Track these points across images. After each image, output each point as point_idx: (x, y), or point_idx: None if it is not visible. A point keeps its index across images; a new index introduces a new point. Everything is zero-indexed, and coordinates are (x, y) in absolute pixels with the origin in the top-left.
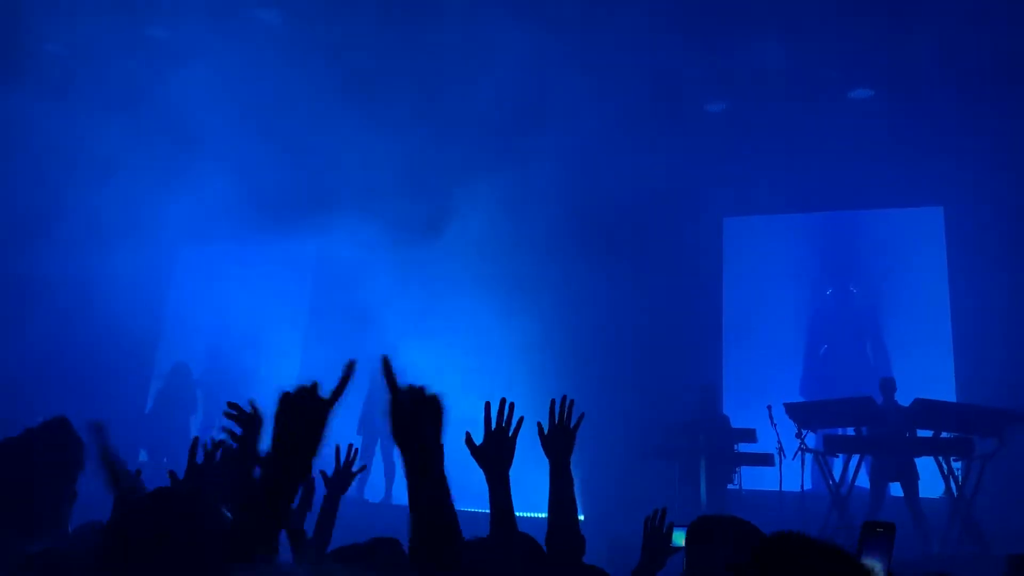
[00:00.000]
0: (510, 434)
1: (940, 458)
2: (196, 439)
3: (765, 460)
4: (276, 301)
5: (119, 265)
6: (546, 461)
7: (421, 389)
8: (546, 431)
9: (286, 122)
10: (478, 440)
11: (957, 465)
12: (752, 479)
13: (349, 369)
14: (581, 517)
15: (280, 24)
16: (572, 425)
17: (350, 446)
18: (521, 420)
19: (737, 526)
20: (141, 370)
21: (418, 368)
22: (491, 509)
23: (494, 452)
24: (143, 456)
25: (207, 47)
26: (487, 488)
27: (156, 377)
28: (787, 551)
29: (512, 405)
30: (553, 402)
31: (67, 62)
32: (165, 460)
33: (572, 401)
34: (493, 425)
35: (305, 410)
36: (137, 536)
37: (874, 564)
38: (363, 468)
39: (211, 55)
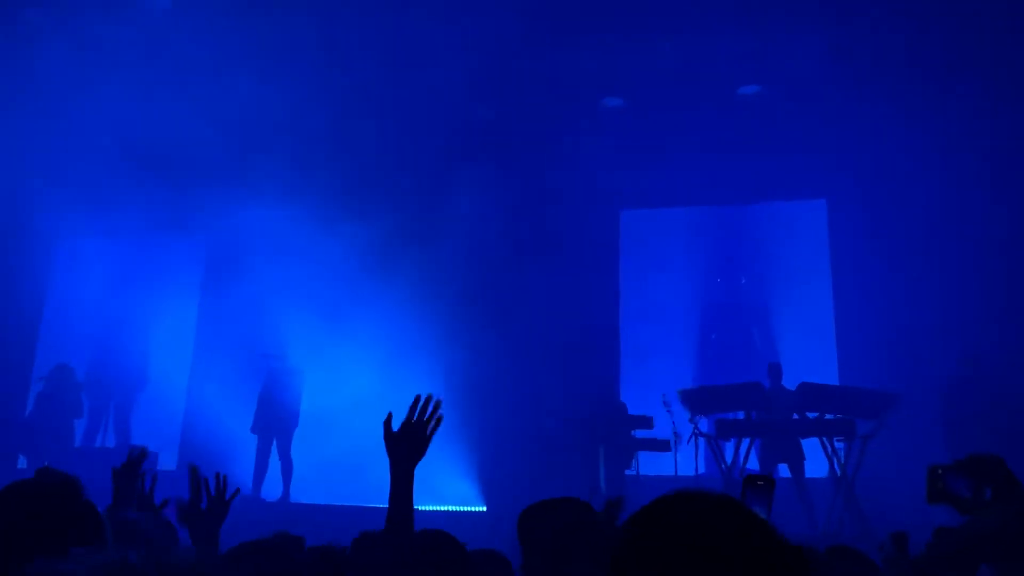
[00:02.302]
0: (427, 432)
1: (824, 439)
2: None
3: (661, 446)
4: (164, 296)
5: None
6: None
7: (423, 425)
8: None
9: (166, 99)
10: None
11: (840, 446)
12: (649, 464)
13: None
14: (483, 508)
15: (163, 8)
16: (428, 431)
17: (217, 475)
18: (440, 420)
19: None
20: (18, 371)
21: (313, 360)
22: (390, 505)
23: (406, 443)
24: (22, 463)
25: (83, 32)
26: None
27: (36, 379)
28: (672, 512)
29: (439, 403)
30: (417, 398)
31: None
32: (46, 466)
33: (439, 401)
34: (415, 417)
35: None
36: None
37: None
38: (236, 493)
39: (86, 40)
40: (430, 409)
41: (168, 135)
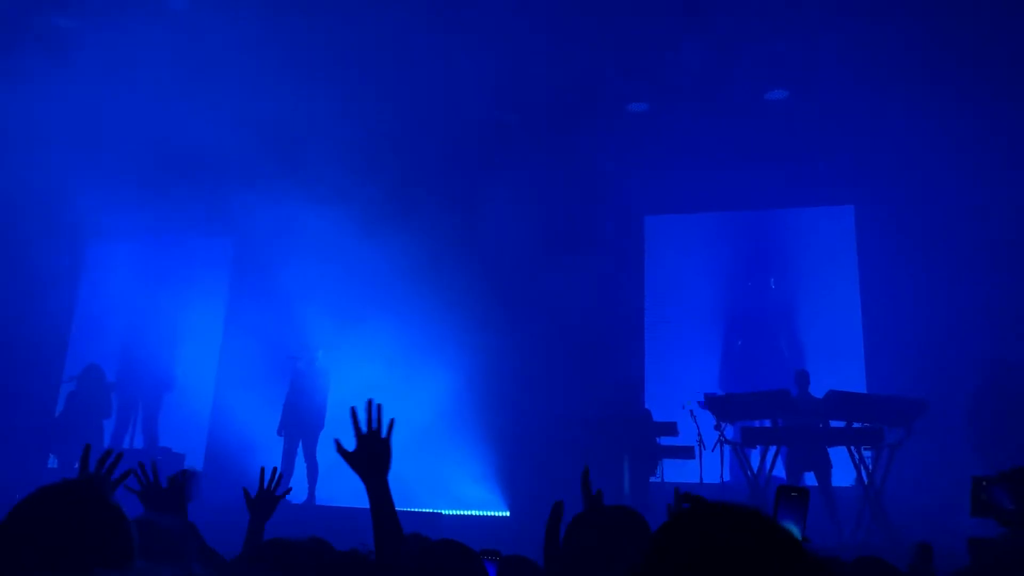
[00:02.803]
0: (383, 435)
1: (852, 447)
2: (87, 447)
3: (686, 453)
4: (191, 298)
5: (25, 263)
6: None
7: (377, 434)
8: (352, 446)
9: (195, 102)
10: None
11: (868, 454)
12: (674, 472)
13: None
14: (506, 513)
15: (187, 10)
16: (384, 434)
17: (274, 470)
18: (392, 422)
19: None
20: (50, 372)
21: (343, 363)
22: (374, 520)
23: (368, 457)
24: (53, 463)
25: (112, 36)
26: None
27: (66, 380)
28: (695, 528)
29: (380, 407)
30: (353, 410)
31: None
32: (76, 466)
33: (379, 405)
34: (364, 429)
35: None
36: (25, 520)
37: (790, 528)
38: (288, 491)
39: (114, 44)
40: (374, 415)
41: (196, 138)
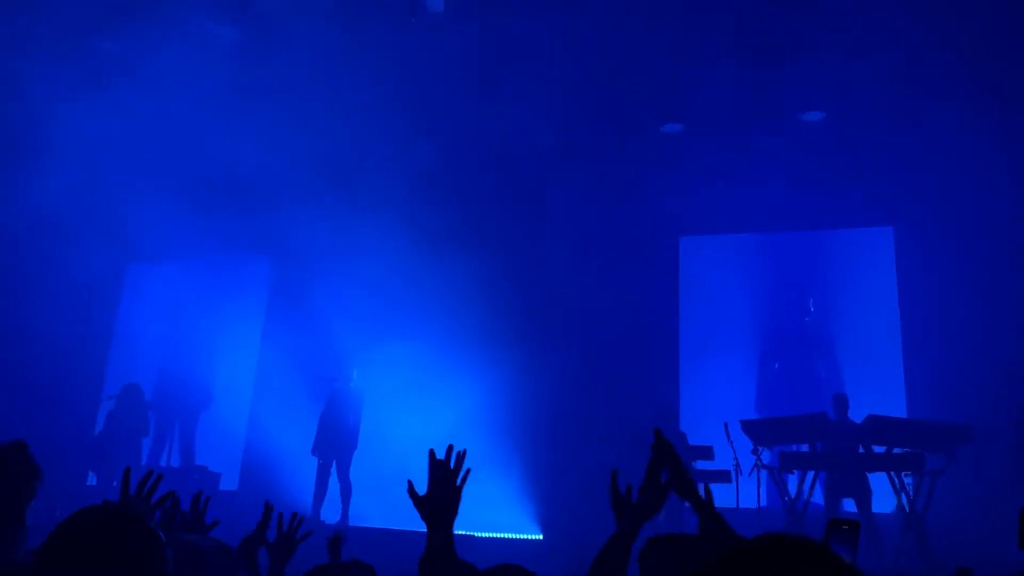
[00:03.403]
0: (457, 483)
1: (892, 473)
2: (127, 470)
3: (722, 477)
4: (228, 318)
5: (66, 282)
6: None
7: (452, 480)
8: (424, 490)
9: (234, 127)
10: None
11: (909, 480)
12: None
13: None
14: (539, 536)
15: (238, 40)
16: (458, 485)
17: (294, 515)
18: (468, 472)
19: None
20: (89, 391)
21: (377, 384)
22: (423, 567)
23: (438, 504)
24: (92, 480)
25: (160, 61)
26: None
27: (106, 398)
28: (770, 557)
29: (461, 454)
30: (432, 453)
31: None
32: (115, 484)
33: (461, 452)
34: (441, 475)
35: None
36: (71, 544)
37: None
38: (308, 534)
39: (164, 70)
40: (453, 461)
41: (233, 161)
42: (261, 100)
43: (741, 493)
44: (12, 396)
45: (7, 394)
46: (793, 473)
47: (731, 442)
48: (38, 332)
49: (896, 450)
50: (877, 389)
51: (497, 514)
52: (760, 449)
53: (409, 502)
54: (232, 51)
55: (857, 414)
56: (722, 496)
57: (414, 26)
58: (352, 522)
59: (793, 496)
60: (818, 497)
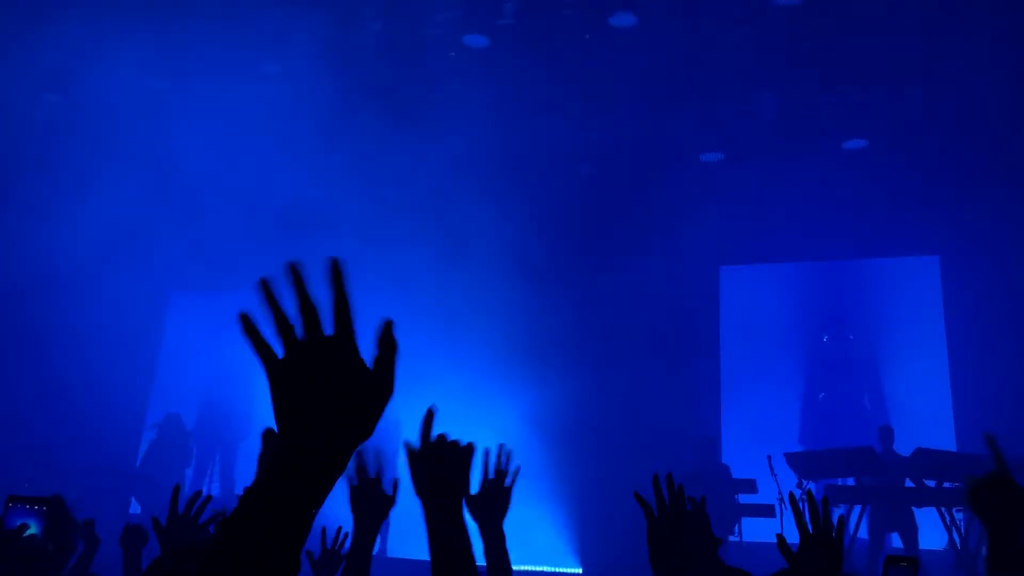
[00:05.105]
0: (507, 483)
1: (942, 508)
2: (177, 487)
3: (766, 511)
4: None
5: (110, 312)
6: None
7: (455, 443)
8: (476, 489)
9: (279, 157)
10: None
11: (960, 516)
12: (753, 530)
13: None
14: (579, 571)
15: (281, 76)
16: (508, 482)
17: (339, 529)
18: (518, 469)
19: None
20: (133, 420)
21: (410, 411)
22: (487, 565)
23: (489, 503)
24: (135, 508)
25: (208, 97)
26: (481, 542)
27: (148, 427)
28: None
29: (510, 453)
30: (487, 453)
31: (66, 110)
32: (157, 512)
33: (510, 452)
34: (491, 474)
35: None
36: None
37: None
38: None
39: (211, 105)
40: (503, 461)
41: (275, 191)
42: (301, 132)
43: (785, 528)
44: (56, 425)
45: (52, 422)
46: (839, 507)
47: (775, 475)
48: (81, 360)
49: (946, 484)
50: (925, 421)
51: (535, 546)
52: (805, 483)
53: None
54: (271, 85)
55: (903, 447)
56: (766, 530)
57: (453, 59)
58: (389, 554)
59: None
60: (864, 532)
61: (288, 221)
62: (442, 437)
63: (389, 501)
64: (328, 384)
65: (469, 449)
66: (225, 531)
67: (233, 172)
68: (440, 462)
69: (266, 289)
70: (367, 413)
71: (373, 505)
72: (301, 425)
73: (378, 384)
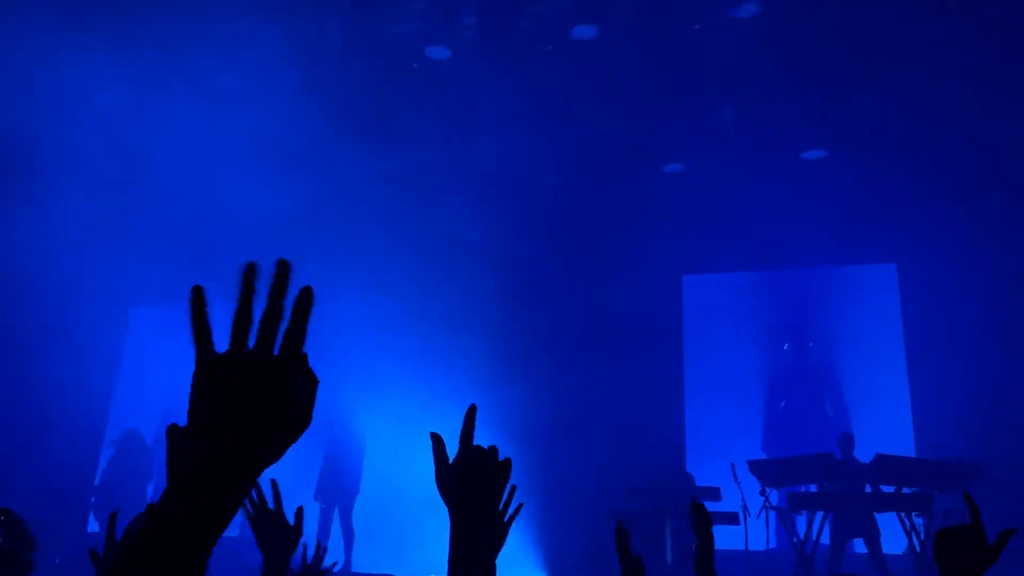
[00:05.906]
0: (505, 520)
1: (902, 514)
2: (114, 514)
3: (730, 519)
4: None
5: (69, 326)
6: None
7: (494, 453)
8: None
9: (247, 183)
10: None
11: (919, 520)
12: (718, 538)
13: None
14: None
15: (239, 88)
16: (507, 520)
17: (318, 544)
18: (520, 507)
19: None
20: (92, 436)
21: (376, 427)
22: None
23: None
24: (93, 526)
25: (168, 111)
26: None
27: (107, 443)
28: None
29: (514, 488)
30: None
31: (23, 121)
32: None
33: (515, 486)
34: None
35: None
36: None
37: None
38: (335, 565)
39: (170, 118)
40: (505, 495)
41: (238, 204)
42: (259, 149)
43: (750, 535)
44: (13, 441)
45: (8, 439)
46: (801, 514)
47: (738, 483)
48: (39, 377)
49: (905, 490)
50: (885, 428)
51: (503, 558)
52: (768, 490)
53: (410, 546)
54: (232, 96)
55: (864, 453)
56: (731, 539)
57: (416, 70)
58: (355, 568)
59: (802, 537)
60: (827, 538)
61: (249, 233)
62: (480, 446)
63: (294, 532)
64: (259, 399)
65: (507, 463)
66: (127, 551)
67: (194, 185)
68: (483, 469)
69: (247, 281)
70: (284, 438)
71: (277, 536)
72: (219, 430)
73: (302, 416)
